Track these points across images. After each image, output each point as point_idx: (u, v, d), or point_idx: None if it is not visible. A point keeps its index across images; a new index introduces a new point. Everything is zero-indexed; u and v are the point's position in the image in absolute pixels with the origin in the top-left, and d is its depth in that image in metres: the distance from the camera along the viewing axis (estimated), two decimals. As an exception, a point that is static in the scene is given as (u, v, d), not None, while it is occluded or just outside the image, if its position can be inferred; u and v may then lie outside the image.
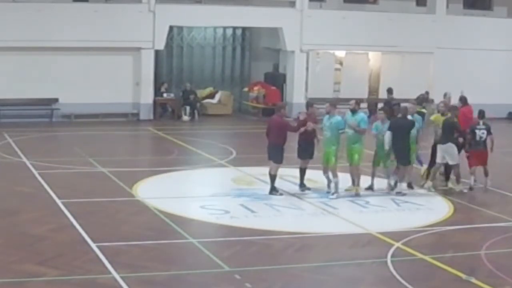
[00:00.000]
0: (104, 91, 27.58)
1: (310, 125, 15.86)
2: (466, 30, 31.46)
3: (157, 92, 29.10)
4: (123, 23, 27.55)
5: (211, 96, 30.81)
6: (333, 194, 15.86)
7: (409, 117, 16.50)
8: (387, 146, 16.17)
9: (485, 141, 17.07)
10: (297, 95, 29.76)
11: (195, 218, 14.40)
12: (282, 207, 15.10)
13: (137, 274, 10.76)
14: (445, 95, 20.17)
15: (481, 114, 17.24)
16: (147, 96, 28.53)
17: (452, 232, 13.75)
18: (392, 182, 16.51)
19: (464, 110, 17.83)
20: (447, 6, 31.74)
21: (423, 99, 20.38)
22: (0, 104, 26.64)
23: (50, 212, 14.24)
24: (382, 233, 13.20)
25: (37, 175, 17.46)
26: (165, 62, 30.76)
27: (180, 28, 30.66)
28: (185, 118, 29.11)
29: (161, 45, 28.57)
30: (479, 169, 17.26)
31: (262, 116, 28.78)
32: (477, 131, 16.99)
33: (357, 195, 16.00)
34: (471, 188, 16.99)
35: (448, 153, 16.58)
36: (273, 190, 15.99)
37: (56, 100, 27.45)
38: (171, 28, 29.27)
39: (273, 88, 30.31)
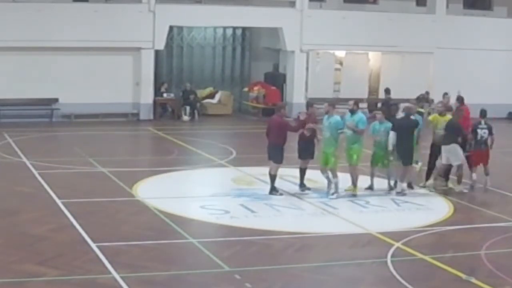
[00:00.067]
0: (104, 91, 27.59)
1: (309, 125, 15.84)
2: (466, 30, 31.47)
3: (157, 92, 29.10)
4: (123, 23, 27.56)
5: (211, 96, 30.82)
6: (333, 194, 15.86)
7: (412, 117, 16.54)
8: (390, 146, 16.19)
9: (486, 140, 17.10)
10: (297, 95, 29.77)
11: (195, 218, 14.40)
12: (282, 207, 15.10)
13: (137, 274, 10.76)
14: (444, 95, 20.21)
15: (483, 113, 17.29)
16: (147, 96, 28.54)
17: (452, 232, 13.75)
18: (392, 182, 16.52)
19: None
20: (447, 6, 31.76)
21: (423, 99, 20.41)
22: (0, 104, 26.65)
23: (50, 212, 14.23)
24: (382, 233, 13.20)
25: (37, 175, 17.46)
26: (165, 62, 30.78)
27: (180, 28, 30.67)
28: (185, 118, 29.12)
29: (161, 45, 28.58)
30: (480, 169, 17.27)
31: (262, 116, 28.78)
32: (479, 130, 17.03)
33: (353, 195, 15.99)
34: (472, 186, 17.06)
35: (451, 153, 16.58)
36: (273, 190, 15.99)
37: (56, 100, 27.45)
38: (171, 28, 29.28)
39: (273, 88, 30.32)
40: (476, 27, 31.70)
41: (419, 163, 17.61)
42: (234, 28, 31.50)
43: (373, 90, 31.47)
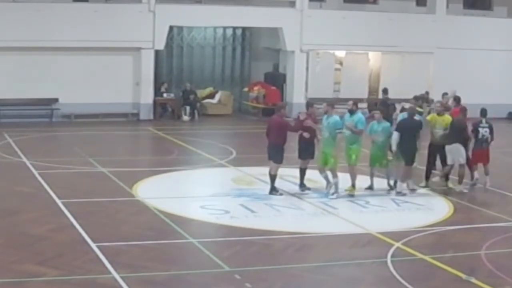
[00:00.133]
0: (104, 91, 27.59)
1: (307, 122, 15.84)
2: (466, 30, 31.47)
3: (157, 92, 29.10)
4: (123, 23, 27.56)
5: (211, 96, 30.82)
6: (333, 194, 15.86)
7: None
8: (394, 147, 16.20)
9: (487, 139, 17.13)
10: (297, 95, 29.77)
11: (195, 218, 14.40)
12: (282, 207, 15.09)
13: (137, 274, 10.76)
14: (444, 95, 20.21)
15: (483, 112, 17.35)
16: (147, 96, 28.54)
17: (452, 232, 13.75)
18: (392, 182, 16.52)
19: (458, 110, 17.82)
20: (447, 6, 31.76)
21: (423, 99, 20.39)
22: (0, 104, 26.65)
23: (50, 212, 14.23)
24: (382, 233, 13.20)
25: (37, 175, 17.46)
26: (165, 62, 30.77)
27: (180, 28, 30.67)
28: (185, 118, 29.12)
29: (161, 45, 28.58)
30: (480, 169, 17.29)
31: (262, 116, 28.78)
32: (480, 129, 17.08)
33: (350, 195, 15.98)
34: (474, 184, 17.13)
35: (453, 152, 16.62)
36: (273, 190, 15.99)
37: (56, 100, 27.45)
38: (171, 28, 29.28)
39: (273, 88, 30.32)
40: (476, 27, 31.70)
41: (414, 163, 17.61)
42: (234, 28, 31.50)
43: (373, 90, 31.46)
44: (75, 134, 25.01)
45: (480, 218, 15.08)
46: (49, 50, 26.85)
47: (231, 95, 31.29)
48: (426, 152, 17.34)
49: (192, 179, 18.36)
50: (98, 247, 11.87)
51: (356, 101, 16.88)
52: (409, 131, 16.19)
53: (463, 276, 11.01)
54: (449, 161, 16.82)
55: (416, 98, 19.04)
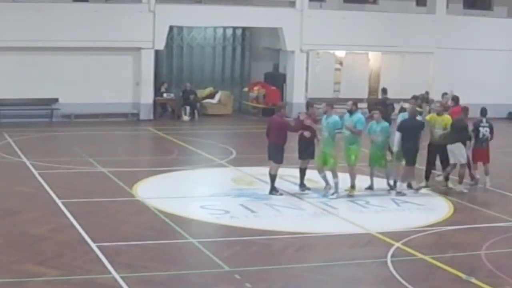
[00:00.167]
0: (104, 91, 27.59)
1: (306, 121, 15.83)
2: (466, 30, 31.48)
3: (157, 92, 29.11)
4: (123, 23, 27.56)
5: (211, 96, 30.82)
6: (333, 194, 15.86)
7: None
8: (396, 147, 16.21)
9: (487, 138, 17.15)
10: (297, 95, 29.78)
11: (195, 218, 14.40)
12: (282, 207, 15.09)
13: (137, 274, 10.76)
14: (443, 95, 20.19)
15: (483, 112, 17.39)
16: (147, 96, 28.54)
17: (452, 232, 13.75)
18: (392, 182, 16.53)
19: (456, 110, 17.83)
20: (447, 6, 31.76)
21: (423, 99, 20.39)
22: (0, 104, 26.65)
23: (50, 212, 14.23)
24: (382, 233, 13.20)
25: (37, 175, 17.46)
26: (165, 62, 30.77)
27: (180, 28, 30.67)
28: (185, 118, 29.12)
29: (161, 45, 28.58)
30: (480, 169, 17.30)
31: (262, 116, 28.79)
32: (481, 128, 17.11)
33: (348, 196, 15.98)
34: (476, 183, 17.14)
35: (454, 152, 16.64)
36: (273, 190, 15.99)
37: (56, 100, 27.45)
38: (171, 28, 29.28)
39: (273, 88, 30.32)
40: (476, 27, 31.71)
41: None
42: (234, 28, 31.50)
43: (373, 90, 31.47)
44: (75, 134, 25.01)
45: (480, 218, 15.07)
46: (49, 50, 26.85)
47: (231, 95, 31.29)
48: (425, 152, 17.34)
49: (192, 179, 18.36)
50: (98, 247, 11.87)
51: (355, 101, 16.87)
52: (411, 131, 16.21)
53: (463, 276, 11.01)
54: (451, 161, 16.85)
55: (414, 97, 19.06)
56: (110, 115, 27.77)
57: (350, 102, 16.56)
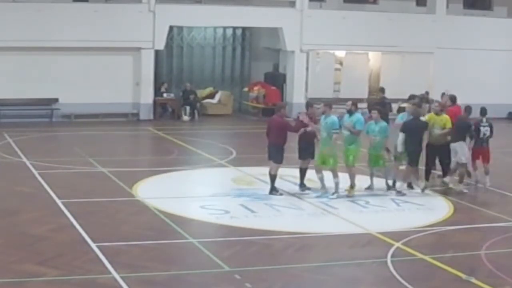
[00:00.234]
0: (104, 91, 27.60)
1: (311, 125, 15.85)
2: (466, 30, 31.48)
3: (157, 92, 29.11)
4: (123, 23, 27.56)
5: (211, 96, 30.82)
6: (333, 194, 15.86)
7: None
8: (399, 148, 16.21)
9: (488, 138, 17.17)
10: (297, 95, 29.78)
11: (195, 218, 14.40)
12: (282, 207, 15.09)
13: (137, 274, 10.76)
14: (443, 95, 20.16)
15: (483, 111, 17.40)
16: (147, 96, 28.55)
17: (452, 232, 13.75)
18: (390, 182, 16.53)
19: (454, 109, 17.84)
20: (447, 6, 31.76)
21: (423, 99, 20.36)
22: (0, 104, 26.65)
23: (50, 212, 14.23)
24: (382, 233, 13.20)
25: (37, 175, 17.46)
26: (165, 62, 30.78)
27: (180, 28, 30.67)
28: (185, 118, 29.12)
29: (161, 45, 28.58)
30: (480, 169, 17.31)
31: (262, 116, 28.79)
32: (481, 128, 17.12)
33: (347, 196, 15.97)
34: (476, 182, 17.22)
35: (456, 151, 16.65)
36: (273, 190, 15.99)
37: (56, 100, 27.46)
38: (171, 28, 29.28)
39: (273, 88, 30.33)
40: (476, 27, 31.70)
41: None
42: (234, 28, 31.50)
43: (373, 90, 31.43)
44: (75, 134, 25.01)
45: (480, 218, 15.07)
46: (49, 50, 26.85)
47: (231, 95, 31.30)
48: (424, 152, 17.35)
49: (192, 179, 18.36)
50: (98, 247, 11.87)
51: (355, 101, 16.86)
52: (415, 132, 16.22)
53: (463, 276, 11.01)
54: (454, 160, 16.90)
55: (411, 97, 19.09)
56: (110, 115, 27.77)
57: (349, 102, 16.56)
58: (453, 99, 18.54)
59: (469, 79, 29.94)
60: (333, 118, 15.81)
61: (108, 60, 27.84)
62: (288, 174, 16.99)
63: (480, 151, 17.21)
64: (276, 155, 15.82)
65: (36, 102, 27.23)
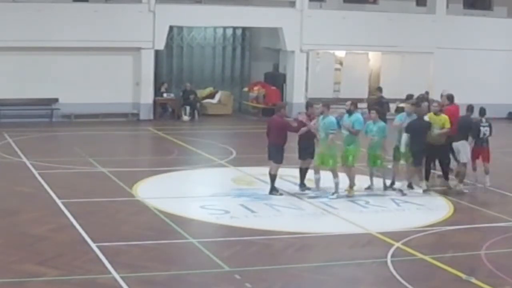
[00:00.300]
0: (104, 91, 27.59)
1: (301, 117, 15.85)
2: (466, 30, 31.47)
3: (157, 92, 29.11)
4: (123, 23, 27.56)
5: (211, 96, 30.82)
6: (333, 194, 15.86)
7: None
8: (403, 148, 16.23)
9: (487, 138, 17.19)
10: (297, 95, 29.77)
11: (195, 218, 14.40)
12: (282, 207, 15.09)
13: (137, 274, 10.76)
14: (442, 94, 20.13)
15: (482, 111, 17.42)
16: (147, 96, 28.55)
17: (452, 232, 13.75)
18: (388, 182, 16.54)
19: (451, 108, 17.84)
20: (447, 6, 31.76)
21: (423, 99, 20.35)
22: (0, 104, 26.65)
23: (50, 212, 14.23)
24: (382, 233, 13.20)
25: (37, 175, 17.46)
26: (165, 62, 30.77)
27: (180, 28, 30.67)
28: (185, 118, 29.12)
29: (161, 45, 28.58)
30: (480, 169, 17.32)
31: (262, 116, 28.78)
32: (481, 128, 17.13)
33: (347, 196, 15.97)
34: (476, 181, 17.20)
35: (460, 150, 16.67)
36: (273, 190, 15.99)
37: (56, 100, 27.46)
38: (171, 28, 29.28)
39: (273, 88, 30.33)
40: (476, 27, 31.70)
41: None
42: (234, 28, 31.50)
43: (373, 90, 31.40)
44: (75, 134, 25.01)
45: (480, 218, 15.07)
46: (49, 50, 26.85)
47: (231, 95, 31.29)
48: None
49: (192, 179, 18.36)
50: (98, 247, 11.87)
51: (354, 101, 16.86)
52: (419, 132, 16.24)
53: (463, 276, 11.01)
54: (457, 158, 16.94)
55: (408, 97, 19.08)
56: (110, 115, 27.77)
57: (348, 102, 16.56)
58: (450, 98, 18.51)
59: (469, 79, 29.95)
60: (331, 118, 15.81)
61: (108, 60, 27.84)
62: (288, 174, 16.99)
63: (480, 151, 17.23)
64: (276, 155, 15.82)
65: (36, 102, 27.23)
